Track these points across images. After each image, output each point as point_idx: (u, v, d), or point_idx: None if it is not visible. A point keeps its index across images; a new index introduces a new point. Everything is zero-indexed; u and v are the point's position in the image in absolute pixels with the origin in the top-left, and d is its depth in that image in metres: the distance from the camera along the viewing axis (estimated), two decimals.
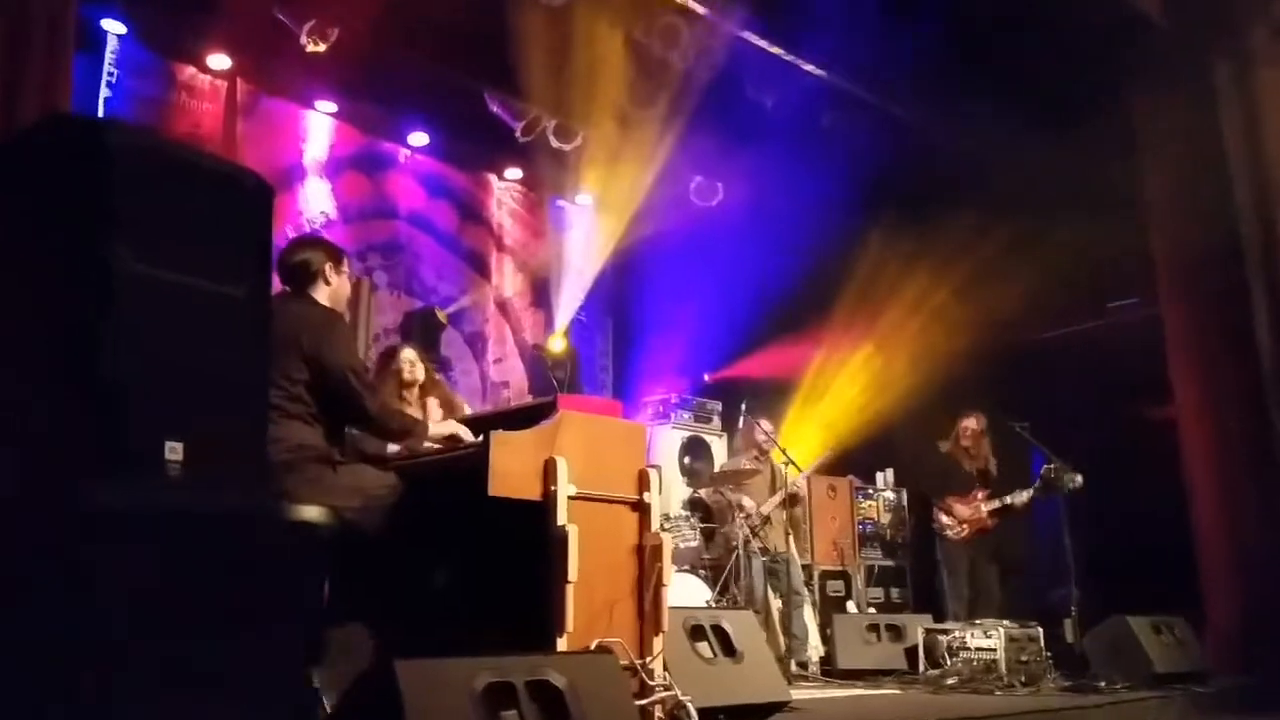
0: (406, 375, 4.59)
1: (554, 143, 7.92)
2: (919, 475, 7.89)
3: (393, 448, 3.83)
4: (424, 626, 3.57)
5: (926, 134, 7.89)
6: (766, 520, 6.82)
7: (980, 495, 7.04)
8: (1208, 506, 6.84)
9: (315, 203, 7.62)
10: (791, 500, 6.93)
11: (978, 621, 5.79)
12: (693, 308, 8.62)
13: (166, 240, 2.19)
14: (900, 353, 8.49)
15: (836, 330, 8.82)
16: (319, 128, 7.74)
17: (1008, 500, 6.92)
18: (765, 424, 7.11)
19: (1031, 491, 6.83)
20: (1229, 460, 6.78)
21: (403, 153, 8.27)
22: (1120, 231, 7.11)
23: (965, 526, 7.01)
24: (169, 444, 2.08)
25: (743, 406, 7.07)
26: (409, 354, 4.68)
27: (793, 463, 6.56)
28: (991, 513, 6.97)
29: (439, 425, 3.64)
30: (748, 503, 6.79)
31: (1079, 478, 6.32)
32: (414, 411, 4.47)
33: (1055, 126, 6.84)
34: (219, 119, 7.06)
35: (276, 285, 3.45)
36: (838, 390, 8.84)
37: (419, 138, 8.19)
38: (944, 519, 7.08)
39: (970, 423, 7.21)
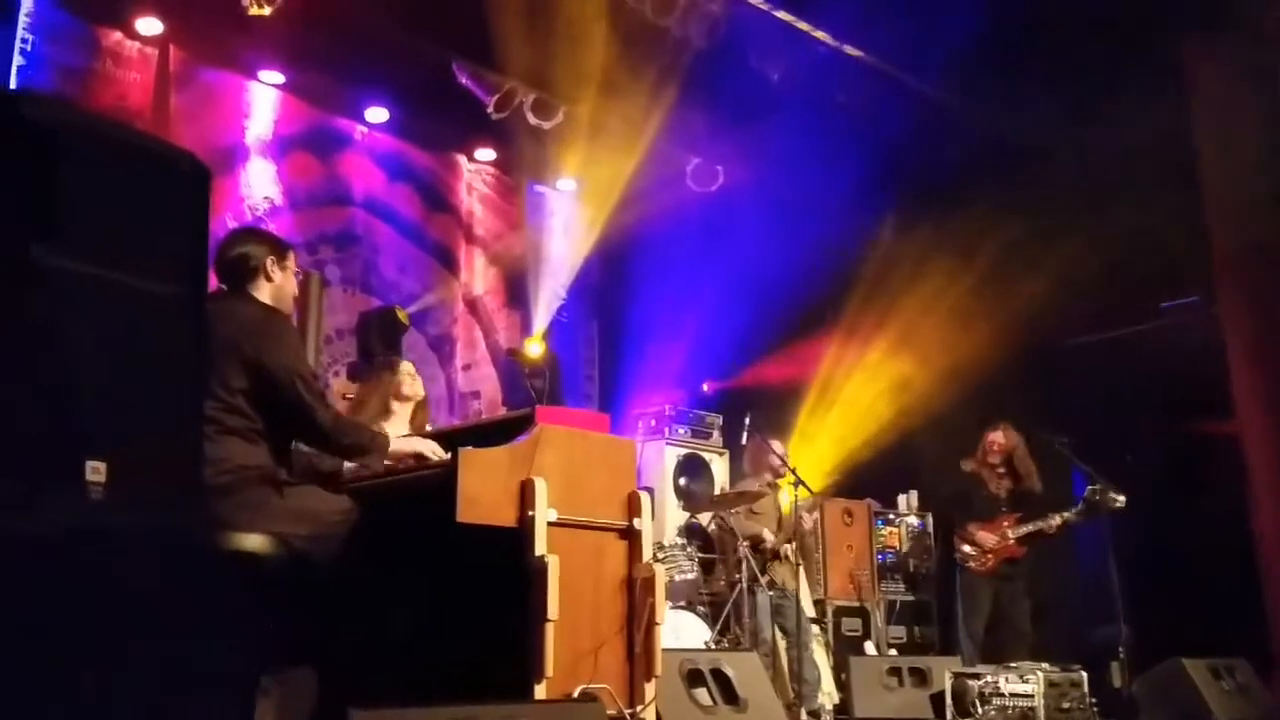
0: (406, 389, 4.80)
1: (531, 120, 7.91)
2: (938, 498, 7.86)
3: (349, 466, 3.82)
4: (383, 670, 3.55)
5: (956, 111, 7.92)
6: (776, 555, 6.83)
7: (1008, 521, 6.99)
8: (1274, 533, 6.86)
9: (259, 187, 7.61)
10: (797, 534, 6.91)
11: (1013, 665, 5.79)
12: (689, 308, 8.63)
13: (87, 230, 2.17)
14: (925, 358, 8.51)
15: (852, 332, 8.84)
16: (263, 102, 7.73)
17: (1039, 525, 6.89)
18: (777, 445, 7.09)
19: (1067, 515, 6.80)
20: None
21: (359, 130, 8.26)
22: (1176, 221, 7.13)
23: (990, 556, 6.97)
24: (90, 464, 2.06)
25: (746, 421, 7.06)
26: (409, 367, 4.94)
27: (804, 484, 6.56)
28: (1020, 539, 6.94)
29: (402, 441, 3.63)
30: (768, 536, 6.80)
31: (1121, 498, 6.31)
32: (399, 428, 4.50)
33: (1103, 103, 6.86)
34: (149, 91, 7.04)
35: (214, 283, 3.44)
36: (853, 401, 8.86)
37: (377, 113, 8.18)
38: (965, 548, 7.03)
39: (997, 436, 7.13)
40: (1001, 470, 7.12)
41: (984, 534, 6.99)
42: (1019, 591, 6.99)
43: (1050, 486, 7.11)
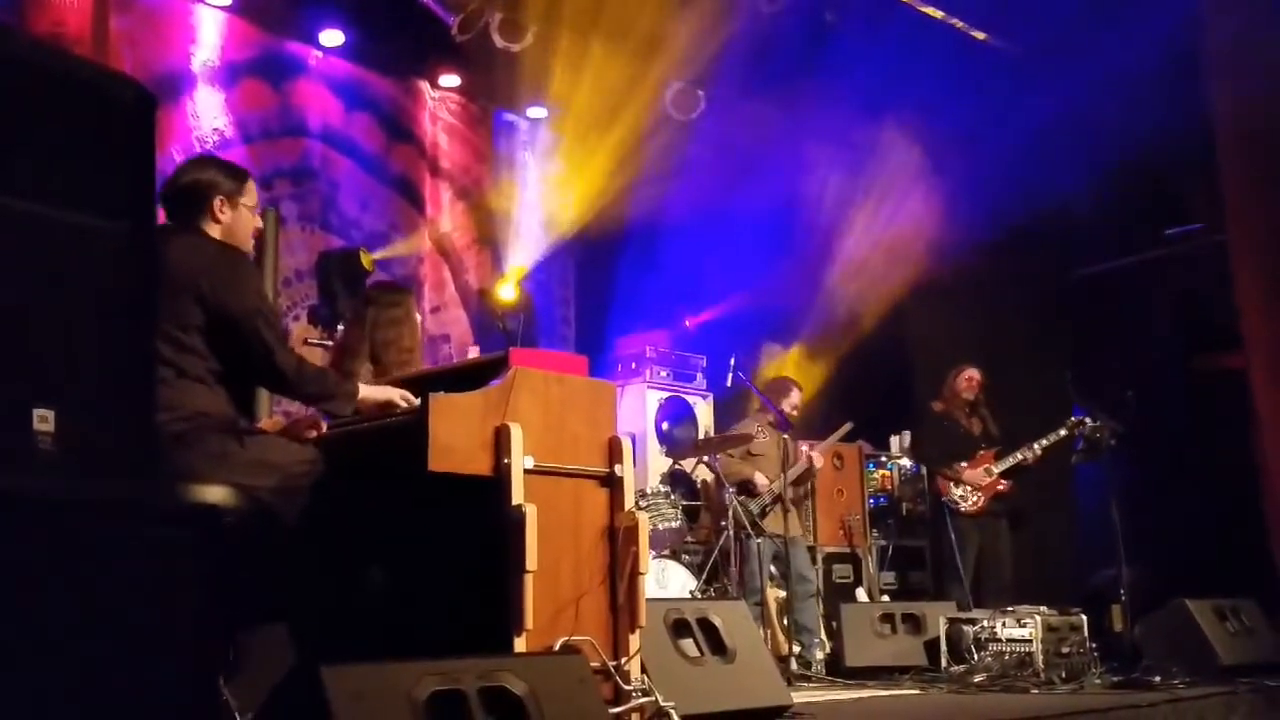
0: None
1: (499, 41, 7.81)
2: (920, 443, 7.97)
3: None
4: (355, 626, 3.58)
5: (952, 27, 7.86)
6: (778, 499, 6.89)
7: (987, 457, 7.22)
8: None
9: (207, 118, 7.51)
10: (805, 475, 7.06)
11: (1009, 609, 5.88)
12: (671, 242, 8.60)
13: (24, 164, 2.14)
14: (924, 291, 8.52)
15: (843, 263, 8.83)
16: (209, 25, 7.60)
17: (1020, 456, 7.11)
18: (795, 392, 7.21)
19: (1045, 442, 6.98)
20: None
21: (313, 55, 8.14)
22: (1180, 139, 7.11)
23: (981, 495, 7.16)
24: (37, 412, 2.04)
25: (732, 362, 7.08)
26: None
27: (787, 424, 6.60)
28: (1004, 474, 7.16)
29: (372, 389, 3.60)
30: (760, 479, 6.86)
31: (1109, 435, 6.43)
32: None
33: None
34: (87, 15, 6.91)
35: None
36: (844, 336, 8.89)
37: (332, 36, 8.06)
38: (955, 491, 7.24)
39: (974, 373, 7.39)
40: (969, 408, 7.36)
41: (971, 473, 7.20)
42: (1002, 530, 7.24)
43: (1029, 421, 7.24)
